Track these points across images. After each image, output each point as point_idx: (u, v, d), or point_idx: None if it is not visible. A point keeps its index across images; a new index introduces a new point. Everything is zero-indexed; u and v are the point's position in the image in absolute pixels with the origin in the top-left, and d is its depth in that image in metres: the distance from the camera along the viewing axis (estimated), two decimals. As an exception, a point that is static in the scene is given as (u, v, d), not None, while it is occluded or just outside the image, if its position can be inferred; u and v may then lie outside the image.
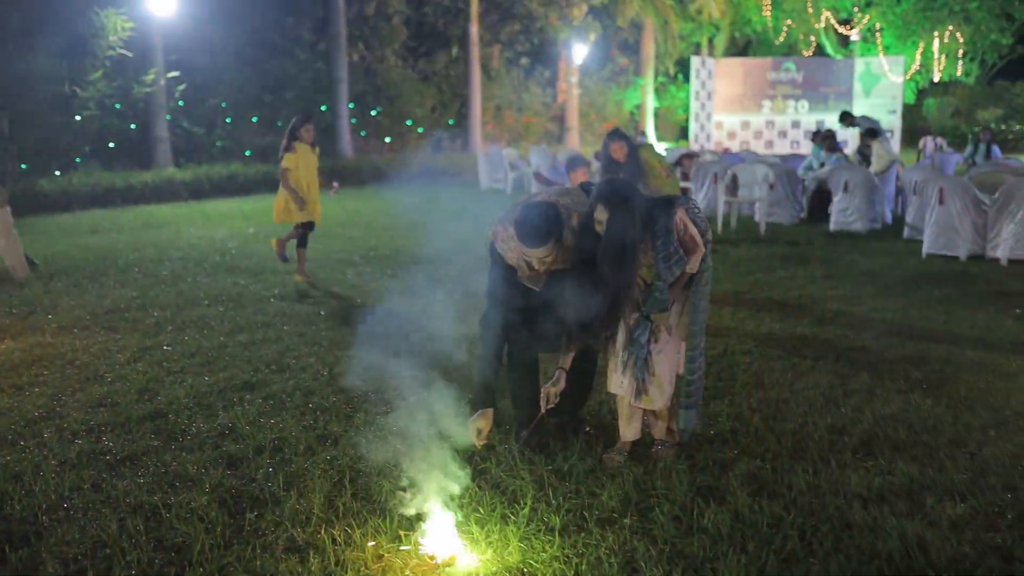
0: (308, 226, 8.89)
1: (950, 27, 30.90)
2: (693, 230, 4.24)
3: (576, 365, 4.49)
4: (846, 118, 14.81)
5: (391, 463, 4.17)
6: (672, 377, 4.44)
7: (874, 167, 13.16)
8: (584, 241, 4.05)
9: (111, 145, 19.92)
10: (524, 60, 31.38)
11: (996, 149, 17.68)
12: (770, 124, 28.48)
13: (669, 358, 4.41)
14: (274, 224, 9.86)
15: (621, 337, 4.41)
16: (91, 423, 4.94)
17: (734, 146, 26.67)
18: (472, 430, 4.21)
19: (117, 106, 19.12)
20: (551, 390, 4.28)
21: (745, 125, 28.50)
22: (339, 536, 3.60)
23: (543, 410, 4.33)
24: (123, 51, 17.77)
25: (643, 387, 4.37)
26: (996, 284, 8.60)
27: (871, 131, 13.88)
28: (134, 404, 5.26)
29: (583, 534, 3.64)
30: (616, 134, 7.32)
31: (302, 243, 8.93)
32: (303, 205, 8.68)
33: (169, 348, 6.49)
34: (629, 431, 4.53)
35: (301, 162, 8.72)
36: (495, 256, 4.26)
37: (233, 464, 4.37)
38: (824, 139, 15.01)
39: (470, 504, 3.90)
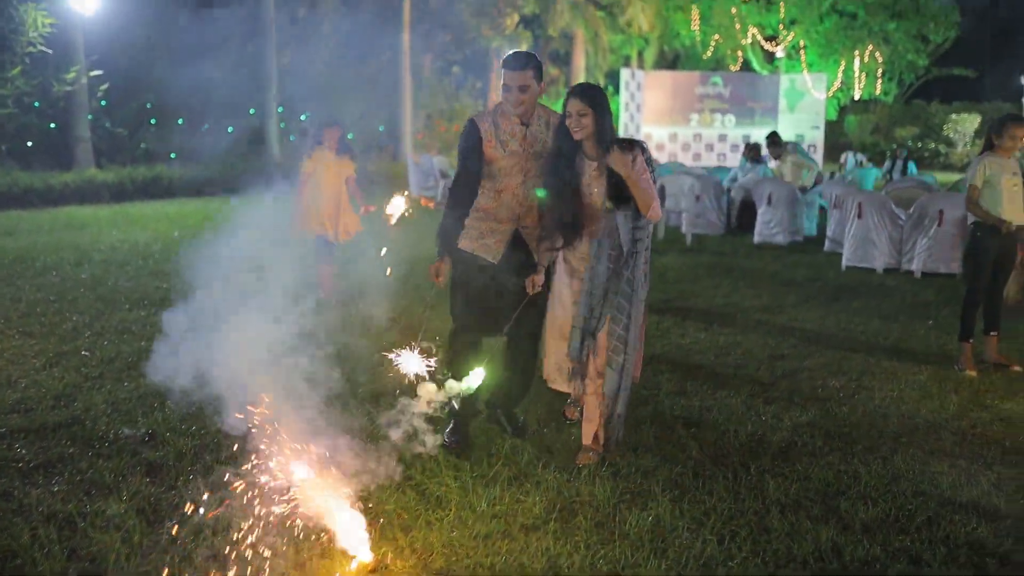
0: (322, 241, 7.98)
1: (870, 47, 31.89)
2: (648, 177, 4.34)
3: (517, 361, 4.83)
4: (773, 147, 14.09)
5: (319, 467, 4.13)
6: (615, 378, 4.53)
7: (790, 178, 13.37)
8: (560, 140, 4.45)
9: (29, 144, 19.33)
10: (455, 69, 31.39)
11: (912, 166, 18.28)
12: (697, 137, 28.96)
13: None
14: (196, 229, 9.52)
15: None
16: (3, 430, 4.79)
17: (662, 158, 27.06)
18: (432, 272, 4.60)
19: (36, 104, 18.54)
20: (536, 279, 4.59)
21: (673, 137, 28.95)
22: (263, 545, 3.56)
23: (530, 292, 4.62)
24: (43, 48, 17.24)
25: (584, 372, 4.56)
26: (910, 296, 8.89)
27: (776, 144, 13.88)
28: (49, 410, 5.12)
29: (507, 540, 3.66)
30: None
31: (321, 258, 8.09)
32: (301, 220, 7.84)
33: (87, 353, 6.32)
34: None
35: (319, 169, 7.83)
36: (470, 130, 4.61)
37: (152, 471, 4.29)
38: (749, 151, 15.32)
39: (394, 509, 3.89)
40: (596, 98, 4.39)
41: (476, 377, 4.28)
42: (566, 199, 4.45)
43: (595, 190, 4.48)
